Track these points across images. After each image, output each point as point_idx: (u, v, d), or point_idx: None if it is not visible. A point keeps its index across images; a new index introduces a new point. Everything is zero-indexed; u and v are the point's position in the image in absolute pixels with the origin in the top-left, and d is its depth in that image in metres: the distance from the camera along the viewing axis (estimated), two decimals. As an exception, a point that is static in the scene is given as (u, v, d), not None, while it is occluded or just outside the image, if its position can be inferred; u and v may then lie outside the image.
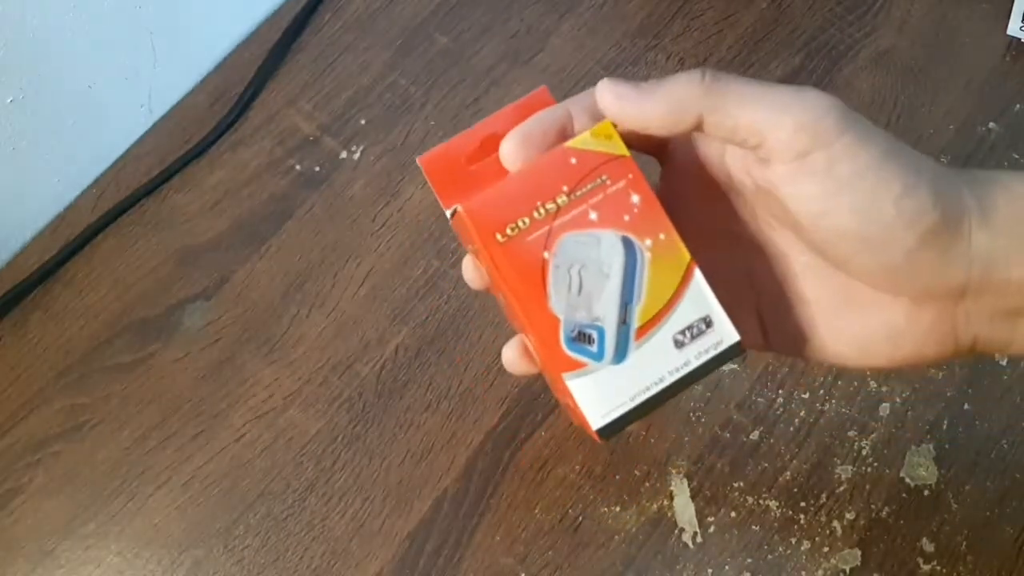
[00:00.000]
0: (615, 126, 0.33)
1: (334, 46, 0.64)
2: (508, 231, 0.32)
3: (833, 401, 0.50)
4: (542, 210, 0.32)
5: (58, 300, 0.57)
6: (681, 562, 0.48)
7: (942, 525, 0.47)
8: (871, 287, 0.32)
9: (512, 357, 0.35)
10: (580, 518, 0.49)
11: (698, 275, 0.32)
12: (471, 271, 0.35)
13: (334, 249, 0.57)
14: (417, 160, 0.35)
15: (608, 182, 0.32)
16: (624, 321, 0.32)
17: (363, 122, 0.61)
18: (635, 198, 0.32)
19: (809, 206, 0.31)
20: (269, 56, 0.63)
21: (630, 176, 0.33)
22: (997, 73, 0.59)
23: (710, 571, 0.47)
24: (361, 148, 0.60)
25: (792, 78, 0.60)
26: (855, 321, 0.33)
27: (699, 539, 0.48)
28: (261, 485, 0.51)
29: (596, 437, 0.32)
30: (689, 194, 0.35)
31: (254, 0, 0.65)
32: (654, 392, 0.32)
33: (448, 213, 0.34)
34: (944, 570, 0.46)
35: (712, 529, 0.48)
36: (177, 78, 0.63)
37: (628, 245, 0.32)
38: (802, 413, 0.50)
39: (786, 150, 0.30)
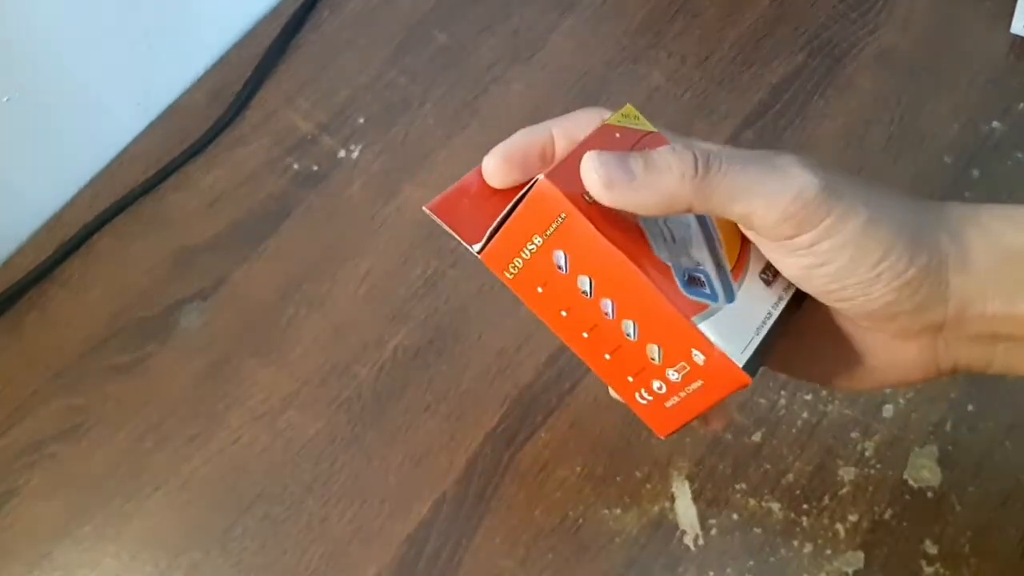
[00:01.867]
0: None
1: (332, 44, 0.63)
2: (587, 197, 0.32)
3: (836, 402, 0.50)
4: None
5: (54, 300, 0.57)
6: (683, 564, 0.47)
7: (945, 527, 0.47)
8: (853, 322, 0.34)
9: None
10: (581, 520, 0.49)
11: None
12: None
13: (332, 249, 0.57)
14: (424, 208, 0.34)
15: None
16: (719, 264, 0.33)
17: (361, 121, 0.61)
18: None
19: (792, 272, 0.32)
20: (267, 54, 0.63)
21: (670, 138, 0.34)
22: (1000, 71, 0.59)
23: (712, 573, 0.47)
24: (360, 147, 0.60)
25: (794, 76, 0.60)
26: (839, 348, 0.35)
27: (701, 541, 0.48)
28: (259, 487, 0.51)
29: (739, 380, 0.32)
30: None
31: (252, -2, 0.65)
32: (769, 326, 0.33)
33: (476, 248, 0.33)
34: (947, 572, 0.46)
35: (714, 531, 0.48)
36: (174, 77, 0.63)
37: None
38: (804, 414, 0.50)
39: (771, 235, 0.31)
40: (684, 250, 0.33)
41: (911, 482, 0.48)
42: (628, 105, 0.34)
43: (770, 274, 0.33)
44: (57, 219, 0.59)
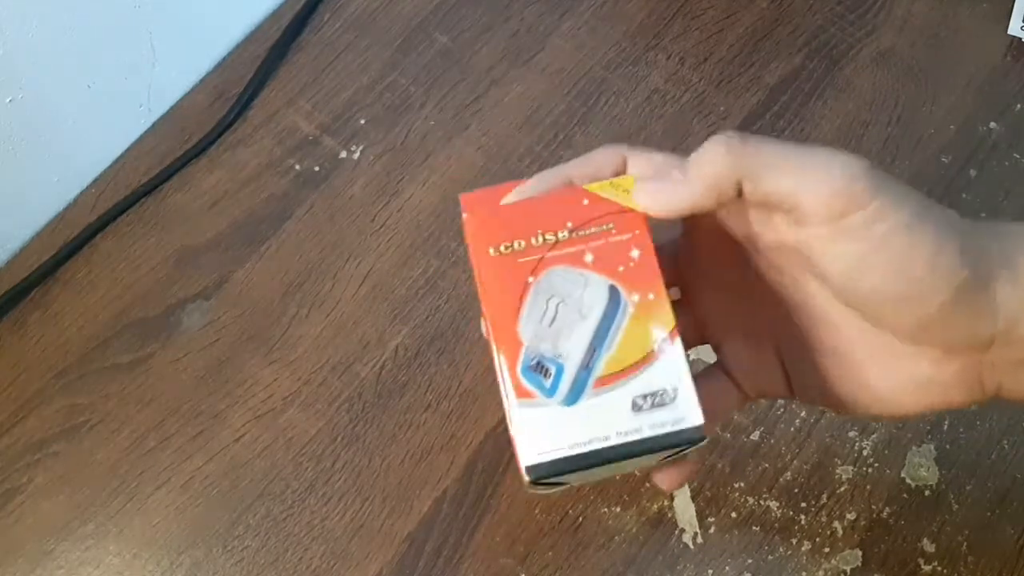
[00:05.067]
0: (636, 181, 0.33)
1: (334, 46, 0.64)
2: (502, 248, 0.33)
3: (834, 401, 0.50)
4: (541, 238, 0.33)
5: (57, 300, 0.57)
6: (682, 563, 0.47)
7: (943, 526, 0.47)
8: (901, 340, 0.32)
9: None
10: (580, 518, 0.49)
11: (678, 344, 0.31)
12: None
13: (334, 249, 0.57)
14: (460, 197, 0.35)
15: (613, 231, 0.33)
16: (587, 366, 0.31)
17: (363, 122, 0.61)
18: (635, 252, 0.32)
19: (844, 265, 0.31)
20: (269, 55, 0.63)
21: (636, 232, 0.32)
22: (998, 73, 0.59)
23: (710, 571, 0.47)
24: (361, 148, 0.60)
25: (793, 77, 0.60)
26: (882, 371, 0.33)
27: (700, 539, 0.48)
28: (260, 485, 0.51)
29: (524, 477, 0.31)
30: (711, 246, 0.35)
31: (253, 0, 0.65)
32: (595, 447, 0.31)
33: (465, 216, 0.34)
34: (945, 571, 0.46)
35: (713, 529, 0.48)
36: (176, 77, 0.63)
37: (614, 293, 0.32)
38: (803, 413, 0.50)
39: (822, 213, 0.30)
40: (553, 337, 0.32)
41: (909, 481, 0.48)
42: (629, 175, 0.33)
43: (648, 402, 0.31)
44: (60, 219, 0.60)
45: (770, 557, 0.47)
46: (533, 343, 0.32)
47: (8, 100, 0.54)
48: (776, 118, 0.59)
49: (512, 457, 0.50)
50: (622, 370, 0.31)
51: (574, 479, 0.32)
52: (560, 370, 0.31)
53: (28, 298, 0.57)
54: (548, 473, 0.31)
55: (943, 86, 0.59)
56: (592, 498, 0.49)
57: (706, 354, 0.38)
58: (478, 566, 0.48)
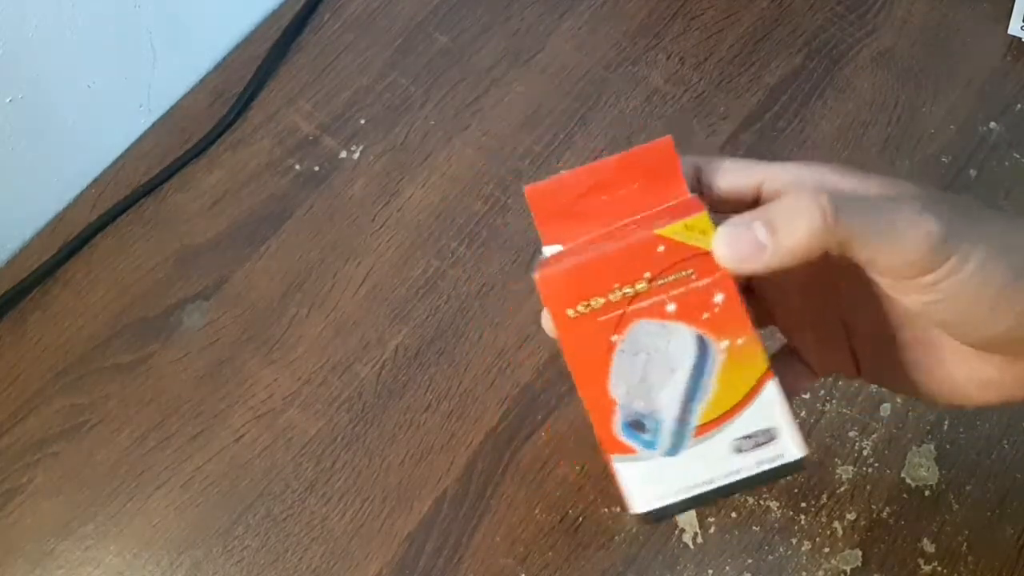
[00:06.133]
0: (710, 220, 0.31)
1: (334, 46, 0.64)
2: (580, 308, 0.31)
3: (834, 401, 0.50)
4: (619, 293, 0.31)
5: (57, 300, 0.57)
6: (681, 562, 0.47)
7: (943, 526, 0.47)
8: (967, 347, 0.33)
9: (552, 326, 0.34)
10: (580, 518, 0.49)
11: (771, 385, 0.31)
12: (549, 323, 0.34)
13: (333, 249, 0.57)
14: (524, 188, 0.33)
15: (693, 276, 0.31)
16: (684, 418, 0.32)
17: (363, 122, 0.61)
18: (719, 297, 0.31)
19: (911, 307, 0.31)
20: (268, 56, 0.63)
21: (718, 274, 0.31)
22: (998, 73, 0.59)
23: (710, 571, 0.47)
24: (361, 148, 0.60)
25: (792, 77, 0.60)
26: (947, 368, 0.34)
27: (700, 539, 0.48)
28: (260, 485, 0.51)
29: (636, 518, 0.32)
30: None
31: (253, 0, 0.65)
32: (701, 491, 0.32)
33: (545, 252, 0.33)
34: (945, 571, 0.46)
35: (712, 529, 0.48)
36: (176, 78, 0.63)
37: (701, 345, 0.31)
38: (803, 413, 0.50)
39: (894, 275, 0.30)
40: (646, 393, 0.32)
41: (909, 481, 0.48)
42: (703, 213, 0.32)
43: (749, 443, 0.32)
44: (60, 219, 0.60)
45: (770, 557, 0.47)
46: (626, 401, 0.32)
47: (8, 100, 0.54)
48: (776, 118, 0.59)
49: (512, 456, 0.50)
50: (719, 416, 0.32)
51: (682, 511, 0.33)
52: (658, 425, 0.32)
53: (28, 298, 0.57)
54: (658, 517, 0.32)
55: (943, 86, 0.59)
56: (592, 498, 0.49)
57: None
58: (478, 566, 0.48)
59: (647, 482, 0.32)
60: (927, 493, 0.48)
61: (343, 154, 0.60)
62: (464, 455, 0.51)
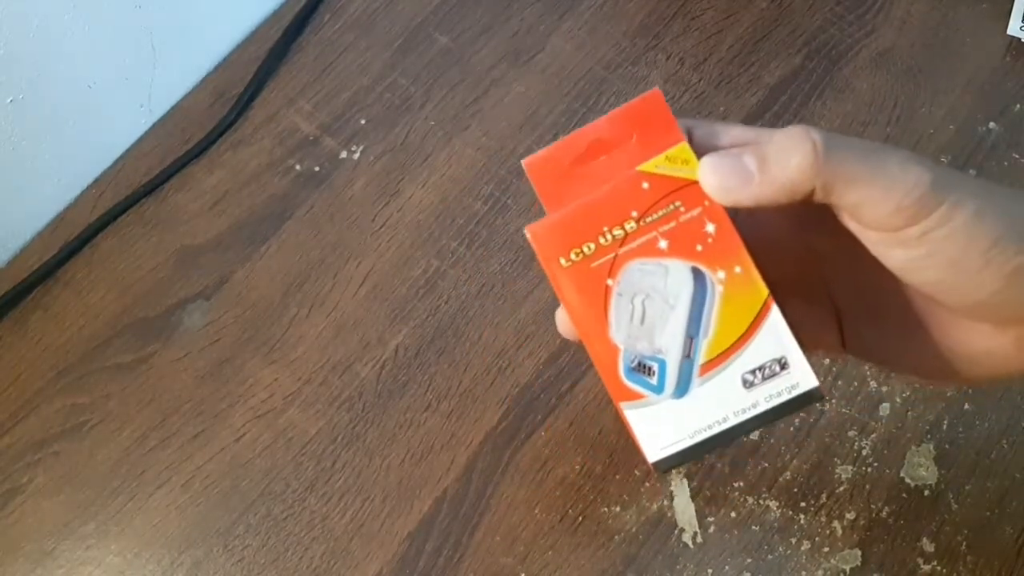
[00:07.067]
0: (691, 149, 0.31)
1: (334, 46, 0.64)
2: (572, 256, 0.31)
3: (833, 401, 0.50)
4: (609, 236, 0.31)
5: (58, 300, 0.57)
6: (681, 562, 0.47)
7: (942, 525, 0.47)
8: (954, 315, 0.32)
9: (565, 319, 0.34)
10: (580, 518, 0.49)
11: (775, 312, 0.31)
12: (563, 323, 0.34)
13: (334, 249, 0.57)
14: (522, 162, 0.33)
15: (682, 209, 0.31)
16: (688, 355, 0.31)
17: (363, 122, 0.61)
18: (710, 227, 0.31)
19: (899, 263, 0.31)
20: (269, 56, 0.63)
21: (706, 203, 0.31)
22: (997, 73, 0.59)
23: (710, 571, 0.47)
24: (361, 148, 0.60)
25: (792, 78, 0.60)
26: (936, 340, 0.33)
27: (699, 539, 0.48)
28: (261, 485, 0.51)
29: (651, 469, 0.31)
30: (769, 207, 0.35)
31: (254, 0, 0.65)
32: (715, 432, 0.31)
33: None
34: (944, 570, 0.46)
35: (712, 529, 0.48)
36: (177, 78, 0.63)
37: (698, 276, 0.31)
38: (802, 413, 0.50)
39: (880, 226, 0.30)
40: (648, 334, 0.31)
41: (908, 480, 0.49)
42: (683, 143, 0.31)
43: (758, 376, 0.31)
44: (61, 219, 0.60)
45: (769, 557, 0.47)
46: (629, 344, 0.31)
47: (8, 100, 0.55)
48: (776, 118, 0.59)
49: (512, 456, 0.50)
50: (725, 351, 0.31)
51: (700, 456, 0.32)
52: (663, 366, 0.31)
53: (29, 298, 0.57)
54: (674, 464, 0.31)
55: (942, 86, 0.59)
56: (592, 498, 0.49)
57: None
58: (478, 565, 0.48)
59: (659, 427, 0.31)
60: (926, 493, 0.48)
61: (343, 154, 0.60)
62: (464, 455, 0.51)
